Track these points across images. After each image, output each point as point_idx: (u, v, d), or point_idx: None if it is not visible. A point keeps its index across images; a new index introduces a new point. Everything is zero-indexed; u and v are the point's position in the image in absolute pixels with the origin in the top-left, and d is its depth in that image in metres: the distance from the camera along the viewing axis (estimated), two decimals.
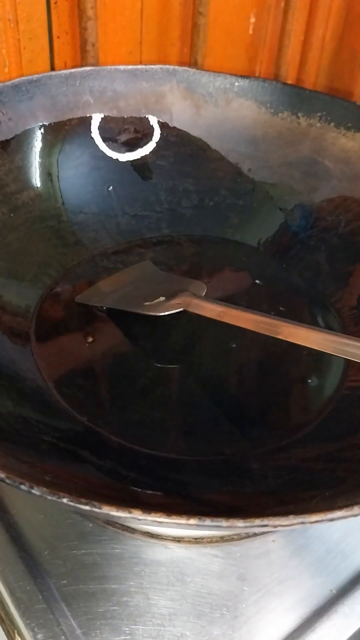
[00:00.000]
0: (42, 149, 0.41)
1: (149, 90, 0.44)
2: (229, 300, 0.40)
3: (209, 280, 0.42)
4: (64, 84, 0.41)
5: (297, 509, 0.21)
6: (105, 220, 0.44)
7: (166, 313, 0.36)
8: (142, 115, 0.44)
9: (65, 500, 0.20)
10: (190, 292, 0.36)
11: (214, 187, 0.45)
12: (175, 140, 0.45)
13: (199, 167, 0.45)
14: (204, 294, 0.37)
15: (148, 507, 0.19)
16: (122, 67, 0.43)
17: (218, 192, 0.45)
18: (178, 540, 0.31)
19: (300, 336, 0.32)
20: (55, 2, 0.44)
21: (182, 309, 0.36)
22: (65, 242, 0.42)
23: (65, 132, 0.42)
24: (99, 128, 0.43)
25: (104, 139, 0.44)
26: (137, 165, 0.45)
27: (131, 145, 0.44)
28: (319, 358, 0.37)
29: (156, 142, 0.45)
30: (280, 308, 0.41)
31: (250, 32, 0.55)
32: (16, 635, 0.29)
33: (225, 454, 0.32)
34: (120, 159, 0.44)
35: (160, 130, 0.45)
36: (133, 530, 0.31)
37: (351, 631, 0.29)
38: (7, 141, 0.39)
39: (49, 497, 0.20)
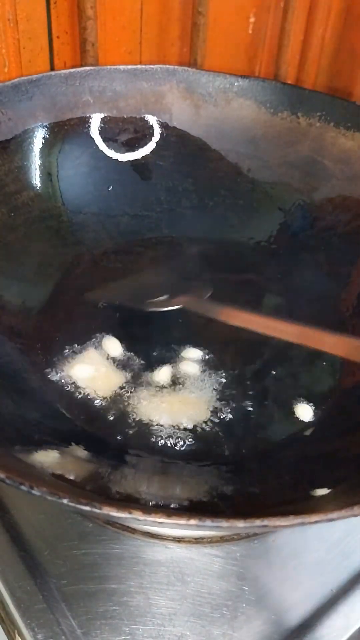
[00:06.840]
0: (42, 149, 0.41)
1: (148, 90, 0.44)
2: (228, 299, 0.40)
3: (207, 280, 0.42)
4: (63, 84, 0.41)
5: (297, 509, 0.21)
6: (105, 220, 0.44)
7: (165, 309, 0.37)
8: (142, 115, 0.44)
9: (65, 501, 0.20)
10: (192, 293, 0.38)
11: (214, 187, 0.45)
12: (175, 140, 0.45)
13: (198, 167, 0.45)
14: (207, 296, 0.38)
15: (148, 507, 0.19)
16: (121, 67, 0.43)
17: (218, 192, 0.45)
18: (178, 540, 0.31)
19: (300, 336, 0.33)
20: (55, 2, 0.43)
21: (181, 306, 0.37)
22: (65, 242, 0.42)
23: (65, 132, 0.42)
24: (99, 128, 0.43)
25: (104, 139, 0.44)
26: (137, 165, 0.45)
27: (131, 145, 0.44)
28: (317, 357, 0.37)
29: (156, 142, 0.45)
30: (279, 307, 0.41)
31: (250, 32, 0.55)
32: (16, 635, 0.29)
33: (225, 455, 0.32)
34: (120, 159, 0.44)
35: (160, 130, 0.45)
36: (133, 530, 0.31)
37: (351, 631, 0.29)
38: (7, 141, 0.39)
39: (49, 497, 0.20)
